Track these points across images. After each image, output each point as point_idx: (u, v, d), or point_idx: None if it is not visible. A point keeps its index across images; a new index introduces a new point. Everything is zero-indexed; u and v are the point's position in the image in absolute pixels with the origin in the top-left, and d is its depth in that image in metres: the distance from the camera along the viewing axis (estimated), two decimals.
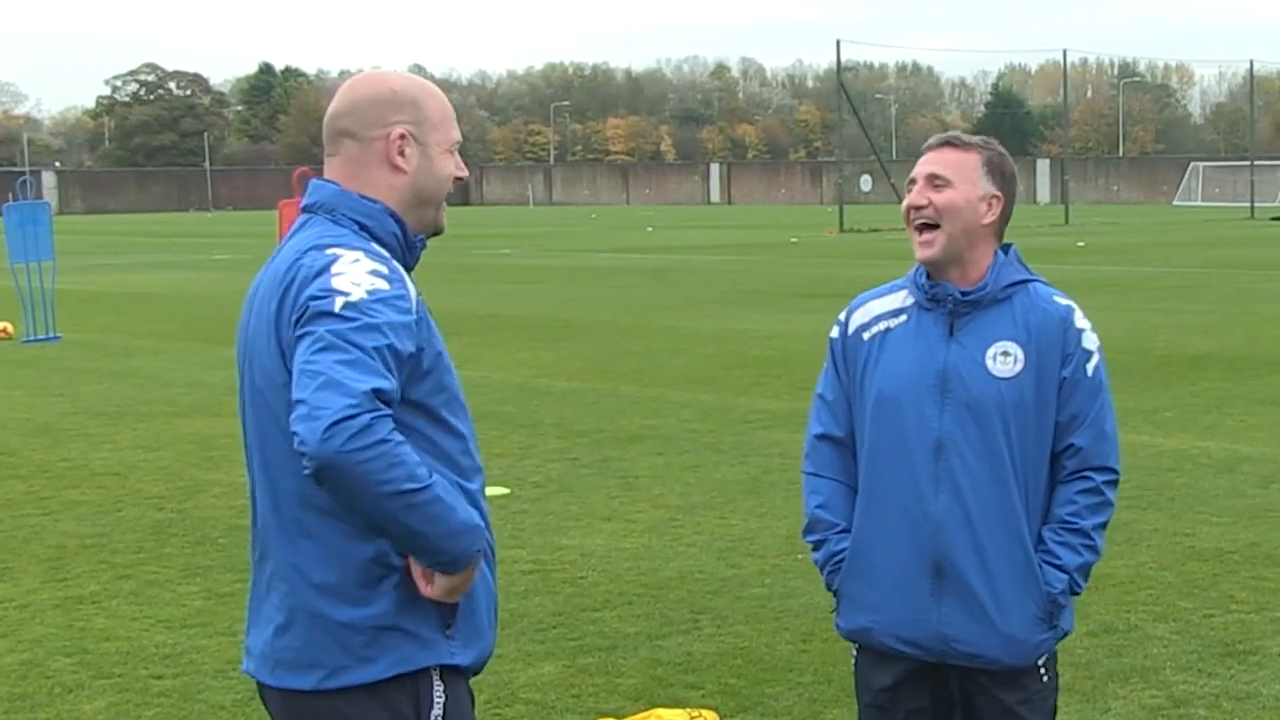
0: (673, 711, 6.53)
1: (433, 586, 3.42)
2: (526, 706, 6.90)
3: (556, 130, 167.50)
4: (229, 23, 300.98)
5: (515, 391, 16.55)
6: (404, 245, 3.57)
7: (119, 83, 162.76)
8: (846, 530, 4.34)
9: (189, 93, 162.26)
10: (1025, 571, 4.19)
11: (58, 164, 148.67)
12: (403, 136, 3.55)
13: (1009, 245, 4.38)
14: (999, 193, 4.28)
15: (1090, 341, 4.24)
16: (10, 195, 25.87)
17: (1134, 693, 6.91)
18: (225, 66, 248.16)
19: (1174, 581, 8.68)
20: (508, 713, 6.83)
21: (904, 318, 4.28)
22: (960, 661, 4.22)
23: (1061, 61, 78.80)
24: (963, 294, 4.21)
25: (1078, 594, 4.27)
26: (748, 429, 13.90)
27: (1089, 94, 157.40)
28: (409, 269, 3.58)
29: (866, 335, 4.31)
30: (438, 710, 3.50)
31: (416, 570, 3.42)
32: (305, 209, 3.60)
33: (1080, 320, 4.25)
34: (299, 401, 3.22)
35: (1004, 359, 4.16)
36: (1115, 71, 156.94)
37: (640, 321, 24.38)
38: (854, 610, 4.34)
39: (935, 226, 4.21)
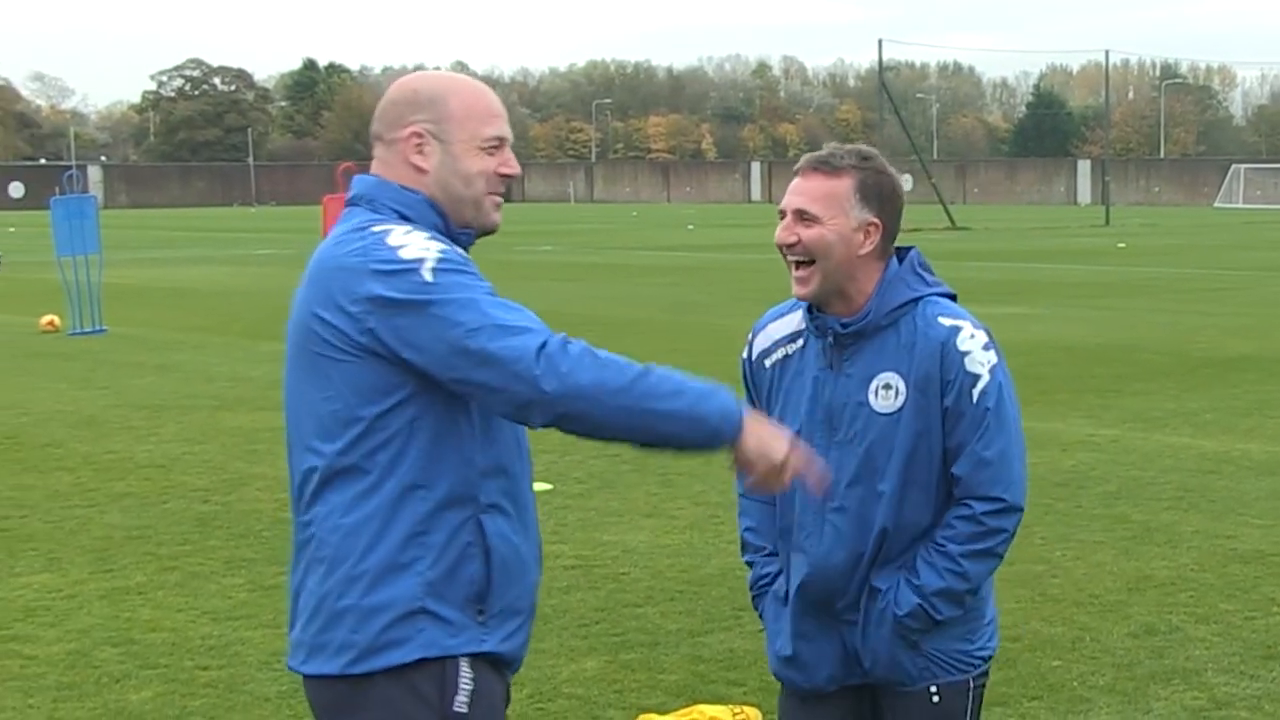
0: (715, 708, 6.56)
1: (753, 471, 3.38)
2: (569, 701, 6.94)
3: (598, 128, 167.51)
4: (274, 19, 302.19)
5: None
6: (447, 237, 3.51)
7: (164, 78, 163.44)
8: (773, 554, 4.21)
9: (233, 88, 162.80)
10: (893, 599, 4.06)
11: (103, 158, 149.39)
12: (419, 135, 3.53)
13: (907, 250, 4.10)
14: (876, 219, 3.98)
15: (976, 364, 3.91)
16: (57, 189, 26.06)
17: (1175, 694, 6.91)
18: (269, 62, 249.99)
19: (1215, 583, 8.67)
20: (550, 708, 6.87)
21: (800, 343, 4.08)
22: (862, 681, 4.12)
23: (1103, 62, 78.69)
24: (844, 326, 3.97)
25: (939, 620, 3.99)
26: None
27: (1130, 95, 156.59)
28: None
29: (768, 362, 4.14)
30: (463, 697, 3.46)
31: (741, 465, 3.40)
32: (348, 202, 3.59)
33: (965, 342, 3.91)
34: (488, 362, 3.25)
35: (885, 393, 3.93)
36: (1157, 73, 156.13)
37: (679, 320, 24.41)
38: (772, 645, 4.25)
39: (810, 262, 3.96)
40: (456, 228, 3.55)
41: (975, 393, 3.89)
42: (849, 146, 4.05)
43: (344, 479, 3.45)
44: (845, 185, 3.95)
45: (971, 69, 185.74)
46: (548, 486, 11.37)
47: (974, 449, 3.91)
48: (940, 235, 58.24)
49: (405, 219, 3.48)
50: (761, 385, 4.14)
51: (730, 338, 21.70)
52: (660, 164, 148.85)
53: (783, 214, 4.00)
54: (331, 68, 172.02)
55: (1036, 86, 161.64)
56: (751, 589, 4.27)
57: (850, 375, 3.95)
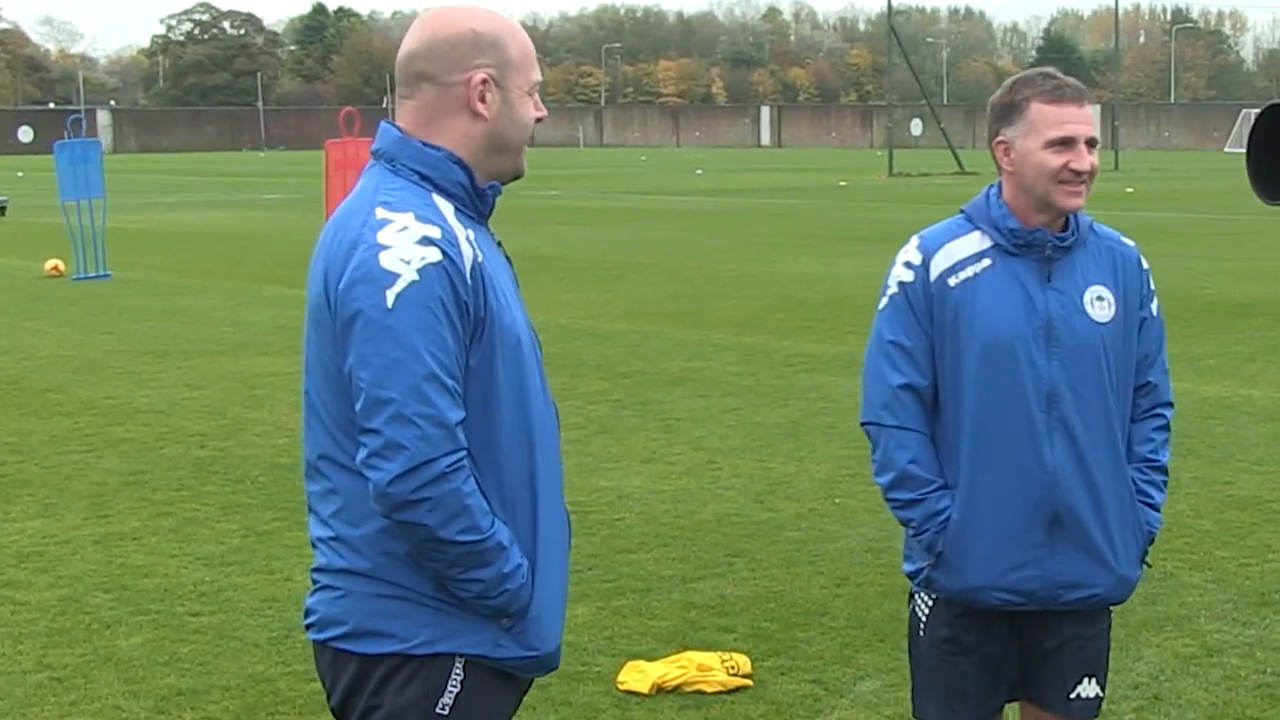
0: (704, 654, 6.55)
1: None
2: None
3: (608, 72, 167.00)
4: None
5: (559, 333, 16.54)
6: (472, 194, 3.36)
7: (173, 22, 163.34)
8: (943, 487, 4.16)
9: (242, 32, 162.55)
10: (1130, 511, 4.19)
11: (113, 103, 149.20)
12: (485, 82, 3.32)
13: None
14: None
15: (1152, 280, 4.29)
16: (64, 134, 26.03)
17: (1167, 641, 6.89)
18: (278, 6, 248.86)
19: (1211, 530, 8.65)
20: None
21: (988, 262, 4.12)
22: (1070, 606, 4.17)
23: (1114, 6, 77.95)
24: (1059, 239, 4.11)
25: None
26: (790, 372, 13.88)
27: (1141, 39, 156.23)
28: (483, 217, 3.42)
29: (953, 281, 4.11)
30: (447, 700, 3.30)
31: None
32: (373, 153, 3.41)
33: (1144, 260, 4.28)
34: (369, 430, 3.15)
35: (1099, 303, 4.12)
36: (1168, 17, 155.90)
37: (686, 264, 24.35)
38: (960, 569, 4.14)
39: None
40: (483, 183, 3.38)
41: (1154, 306, 4.27)
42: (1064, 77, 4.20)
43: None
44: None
45: (982, 13, 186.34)
46: None
47: (1162, 358, 4.29)
48: (948, 180, 58.07)
49: (425, 179, 3.31)
50: (945, 304, 4.11)
51: (736, 282, 21.69)
52: (670, 108, 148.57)
53: (1064, 142, 4.08)
54: (341, 12, 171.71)
55: (1047, 31, 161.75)
56: (924, 525, 4.15)
57: (1062, 289, 4.11)
